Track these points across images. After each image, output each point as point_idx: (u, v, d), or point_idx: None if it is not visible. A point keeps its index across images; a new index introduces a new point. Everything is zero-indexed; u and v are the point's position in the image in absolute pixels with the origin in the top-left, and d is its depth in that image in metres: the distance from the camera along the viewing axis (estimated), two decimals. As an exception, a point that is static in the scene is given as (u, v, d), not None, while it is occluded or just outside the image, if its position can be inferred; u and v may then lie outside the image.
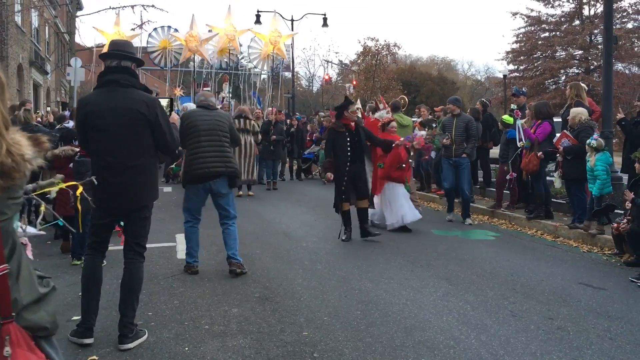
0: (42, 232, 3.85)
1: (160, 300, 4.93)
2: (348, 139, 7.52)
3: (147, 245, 4.24)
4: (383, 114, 10.35)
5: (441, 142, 9.29)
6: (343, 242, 7.44)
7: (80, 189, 3.54)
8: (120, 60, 4.05)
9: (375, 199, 8.22)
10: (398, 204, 8.29)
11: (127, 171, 3.92)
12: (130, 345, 3.88)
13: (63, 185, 3.55)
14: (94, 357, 3.76)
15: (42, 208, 3.09)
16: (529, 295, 5.20)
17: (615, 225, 6.67)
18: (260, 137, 12.16)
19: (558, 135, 8.06)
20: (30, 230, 3.45)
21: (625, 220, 6.34)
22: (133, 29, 19.66)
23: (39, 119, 9.84)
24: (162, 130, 4.04)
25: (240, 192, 11.95)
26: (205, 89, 9.63)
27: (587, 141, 7.25)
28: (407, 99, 13.37)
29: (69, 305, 4.79)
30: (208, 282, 5.51)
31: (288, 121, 16.33)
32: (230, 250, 5.91)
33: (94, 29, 20.44)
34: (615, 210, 7.24)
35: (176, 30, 20.11)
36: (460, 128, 9.13)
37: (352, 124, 7.65)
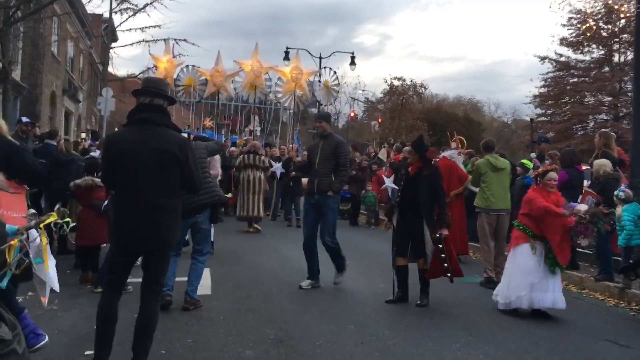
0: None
1: (175, 338, 4.87)
2: (402, 183, 6.66)
3: (165, 281, 4.20)
4: (454, 154, 9.60)
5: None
6: (387, 303, 6.42)
7: (52, 218, 3.56)
8: (153, 97, 4.06)
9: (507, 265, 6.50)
10: (521, 280, 6.11)
11: (153, 211, 3.88)
12: (142, 385, 3.81)
13: (55, 217, 3.59)
14: (105, 395, 3.71)
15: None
16: (552, 351, 5.02)
17: (643, 280, 6.47)
18: (270, 173, 12.24)
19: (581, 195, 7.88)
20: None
21: None
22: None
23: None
24: (191, 170, 4.04)
25: (250, 229, 11.94)
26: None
27: (615, 193, 7.11)
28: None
29: (83, 338, 4.75)
30: (223, 321, 5.44)
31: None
32: (189, 287, 5.90)
33: (150, 56, 20.61)
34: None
35: (199, 67, 20.50)
36: (326, 153, 6.94)
37: (410, 169, 6.55)
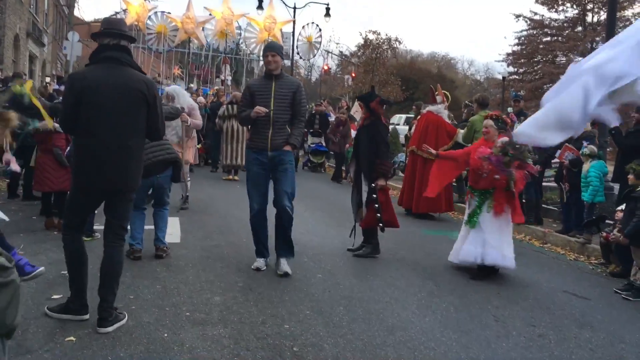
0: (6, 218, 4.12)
1: (143, 284, 4.88)
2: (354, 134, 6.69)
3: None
4: (440, 109, 9.29)
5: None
6: (348, 251, 6.54)
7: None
8: (119, 39, 3.94)
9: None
10: (461, 234, 6.18)
11: (120, 151, 3.83)
12: (109, 329, 3.82)
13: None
14: (72, 338, 3.70)
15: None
16: (513, 301, 5.19)
17: (604, 234, 6.67)
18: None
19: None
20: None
21: (616, 230, 6.34)
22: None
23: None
24: (156, 113, 3.98)
25: (230, 176, 12.07)
26: None
27: (581, 150, 7.27)
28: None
29: (50, 283, 4.71)
30: (192, 269, 5.46)
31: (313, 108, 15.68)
32: (160, 233, 5.83)
33: None
34: (606, 221, 7.26)
35: (169, 13, 19.95)
36: (286, 99, 5.42)
37: (361, 120, 6.45)
